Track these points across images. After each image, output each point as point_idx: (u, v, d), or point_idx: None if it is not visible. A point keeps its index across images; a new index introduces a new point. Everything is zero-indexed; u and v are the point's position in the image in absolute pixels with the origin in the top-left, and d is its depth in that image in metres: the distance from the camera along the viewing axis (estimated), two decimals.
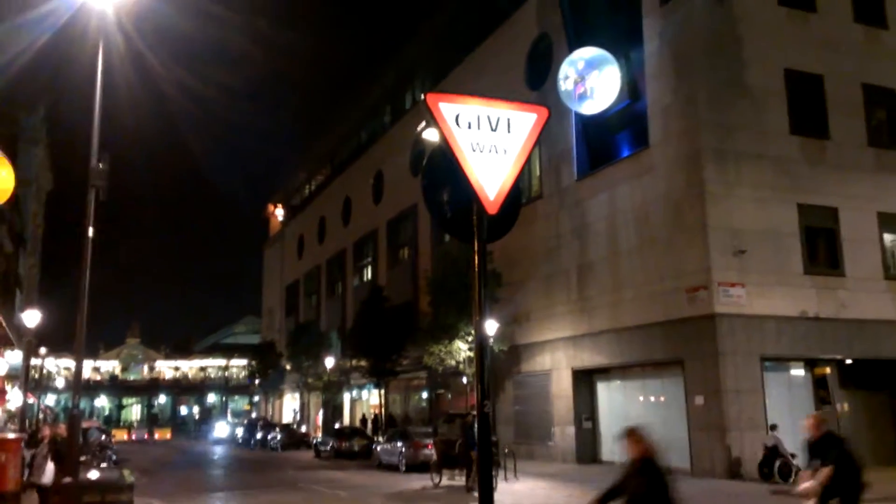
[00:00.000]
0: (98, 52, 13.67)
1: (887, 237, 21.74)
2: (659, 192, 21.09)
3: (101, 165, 13.61)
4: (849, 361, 20.63)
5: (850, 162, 21.36)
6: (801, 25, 21.63)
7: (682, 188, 20.29)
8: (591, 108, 22.76)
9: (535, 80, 26.90)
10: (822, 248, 20.92)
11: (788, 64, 21.06)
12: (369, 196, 42.85)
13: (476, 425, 4.37)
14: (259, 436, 42.29)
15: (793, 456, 16.96)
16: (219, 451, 40.56)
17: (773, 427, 18.06)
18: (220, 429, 53.85)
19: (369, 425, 37.15)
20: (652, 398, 22.40)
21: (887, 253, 21.69)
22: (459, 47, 33.33)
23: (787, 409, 19.25)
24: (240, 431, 48.70)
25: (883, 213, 21.49)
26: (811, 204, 20.59)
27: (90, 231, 13.42)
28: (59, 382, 70.56)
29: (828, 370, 20.49)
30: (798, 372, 20.61)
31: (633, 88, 22.47)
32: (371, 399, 40.92)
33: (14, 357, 36.69)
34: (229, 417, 70.17)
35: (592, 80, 22.42)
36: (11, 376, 38.41)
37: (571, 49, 23.52)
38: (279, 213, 64.53)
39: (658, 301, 20.58)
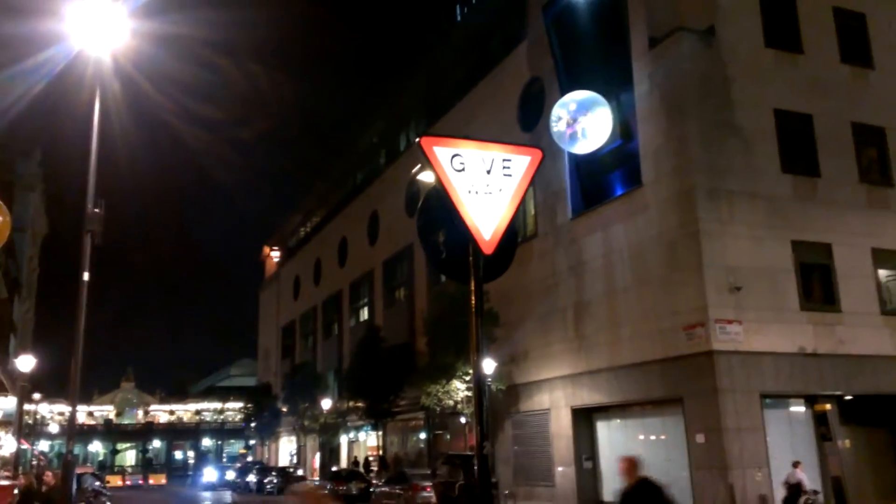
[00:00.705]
0: (94, 99, 13.84)
1: (882, 273, 21.80)
2: (653, 231, 21.19)
3: (96, 210, 13.68)
4: (849, 398, 20.51)
5: (843, 199, 21.51)
6: (790, 66, 21.96)
7: (676, 227, 20.38)
8: (583, 148, 22.95)
9: (528, 122, 27.19)
10: (817, 284, 20.94)
11: (778, 104, 21.29)
12: (365, 237, 42.96)
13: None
14: (254, 479, 41.63)
15: (816, 493, 16.70)
16: (214, 497, 39.91)
17: (796, 464, 17.77)
18: (209, 473, 52.17)
19: (361, 468, 36.59)
20: (652, 437, 22.20)
21: (882, 288, 21.72)
22: (453, 90, 33.78)
23: (788, 447, 19.10)
24: (232, 475, 47.62)
25: (877, 249, 21.58)
26: (805, 241, 20.66)
27: (85, 275, 13.43)
28: (53, 428, 69.69)
29: (828, 407, 20.34)
30: (798, 409, 20.47)
31: (625, 129, 22.69)
32: (369, 441, 40.48)
33: (8, 403, 36.33)
34: (223, 460, 69.02)
35: (584, 122, 22.63)
36: (5, 422, 37.99)
37: (563, 92, 23.80)
38: (275, 254, 64.60)
39: (656, 339, 20.52)
